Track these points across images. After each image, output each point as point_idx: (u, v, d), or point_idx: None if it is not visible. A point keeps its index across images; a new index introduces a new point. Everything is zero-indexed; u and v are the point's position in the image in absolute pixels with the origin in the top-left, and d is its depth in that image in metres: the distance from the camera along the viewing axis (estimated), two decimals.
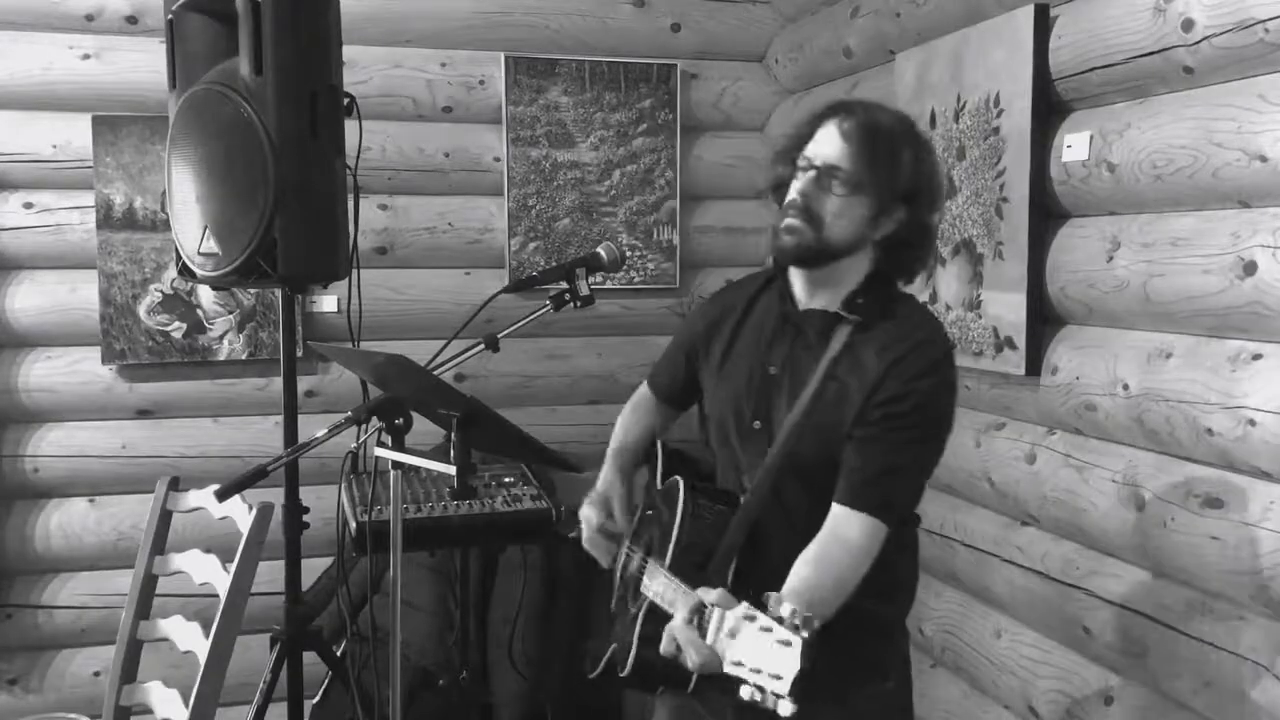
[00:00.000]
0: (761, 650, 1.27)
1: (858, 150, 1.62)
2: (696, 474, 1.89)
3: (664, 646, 1.47)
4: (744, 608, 1.33)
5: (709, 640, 1.37)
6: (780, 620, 1.27)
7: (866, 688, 1.74)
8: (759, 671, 1.26)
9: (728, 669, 1.30)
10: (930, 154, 1.70)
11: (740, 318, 1.84)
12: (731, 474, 1.81)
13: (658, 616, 1.64)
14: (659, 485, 1.93)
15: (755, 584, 1.44)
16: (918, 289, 2.66)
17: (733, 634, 1.32)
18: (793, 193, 1.66)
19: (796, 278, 1.75)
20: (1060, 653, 2.29)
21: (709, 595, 1.42)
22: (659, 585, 1.70)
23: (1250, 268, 1.77)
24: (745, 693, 1.27)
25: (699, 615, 1.41)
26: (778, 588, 1.47)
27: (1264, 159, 1.73)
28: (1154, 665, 1.99)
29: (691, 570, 1.66)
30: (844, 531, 1.59)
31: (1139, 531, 2.01)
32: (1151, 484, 2.00)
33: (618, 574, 1.92)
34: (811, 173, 1.65)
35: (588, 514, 1.90)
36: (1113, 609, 2.10)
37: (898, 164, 1.63)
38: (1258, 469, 1.78)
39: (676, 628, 1.44)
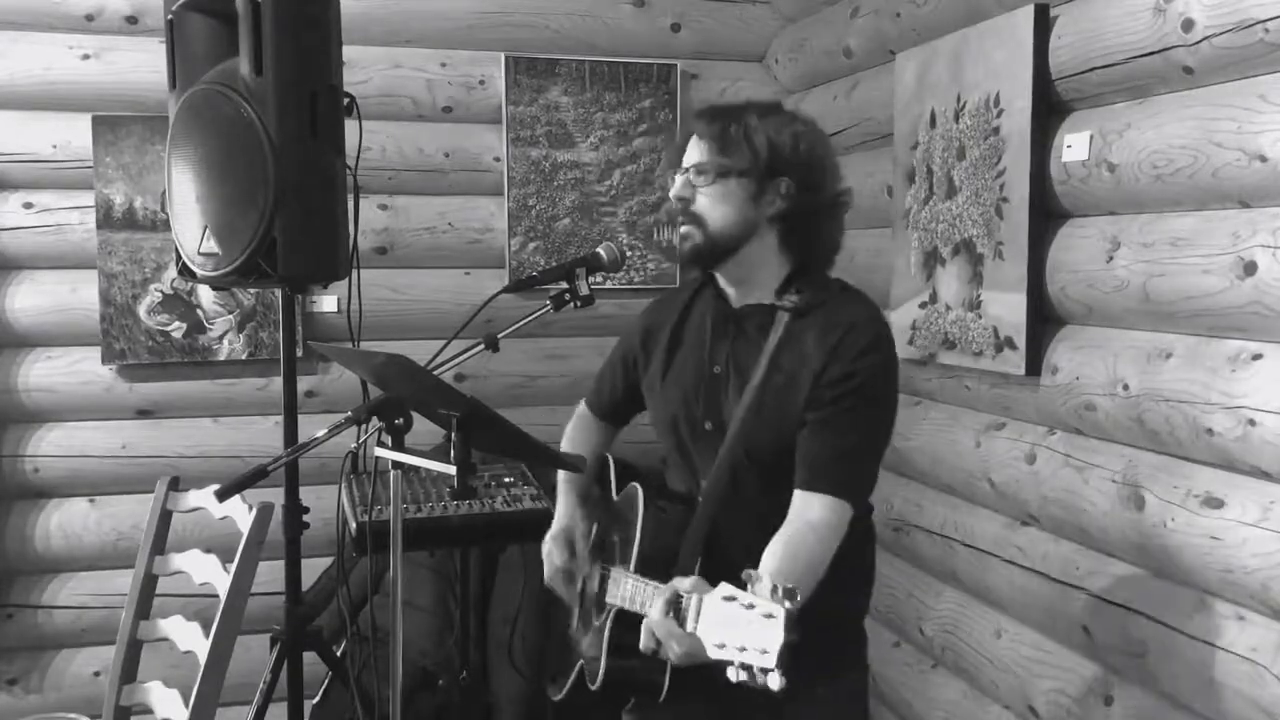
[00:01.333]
0: (745, 629, 1.26)
1: (710, 141, 1.68)
2: (649, 484, 1.89)
3: (643, 642, 1.47)
4: (723, 588, 1.32)
5: (689, 628, 1.37)
6: (763, 596, 1.26)
7: (828, 680, 1.73)
8: (744, 649, 1.25)
9: (711, 653, 1.29)
10: (797, 124, 1.72)
11: (677, 324, 1.87)
12: (687, 477, 1.83)
13: (627, 622, 1.66)
14: (614, 496, 1.95)
15: (720, 579, 1.42)
16: (918, 287, 2.68)
17: (713, 617, 1.31)
18: (670, 196, 1.72)
19: (723, 279, 1.79)
20: (1060, 653, 2.29)
21: (683, 584, 1.42)
22: (627, 589, 1.71)
23: (1250, 268, 1.77)
24: (732, 674, 1.26)
25: (675, 606, 1.41)
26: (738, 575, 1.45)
27: (1264, 159, 1.73)
28: (1154, 665, 1.99)
29: (658, 570, 1.67)
30: (810, 514, 1.60)
31: (1139, 531, 2.01)
32: (1151, 484, 2.00)
33: (577, 600, 1.93)
34: (680, 176, 1.71)
35: (550, 552, 1.92)
36: (1113, 609, 2.10)
37: (753, 140, 1.66)
38: (1258, 469, 1.78)
39: (654, 622, 1.44)
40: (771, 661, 1.22)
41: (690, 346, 1.84)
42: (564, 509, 1.97)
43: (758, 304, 1.74)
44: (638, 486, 1.80)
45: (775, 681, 1.22)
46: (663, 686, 1.64)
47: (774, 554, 1.57)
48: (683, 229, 1.71)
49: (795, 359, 1.67)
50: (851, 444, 1.64)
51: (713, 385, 1.76)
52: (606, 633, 1.74)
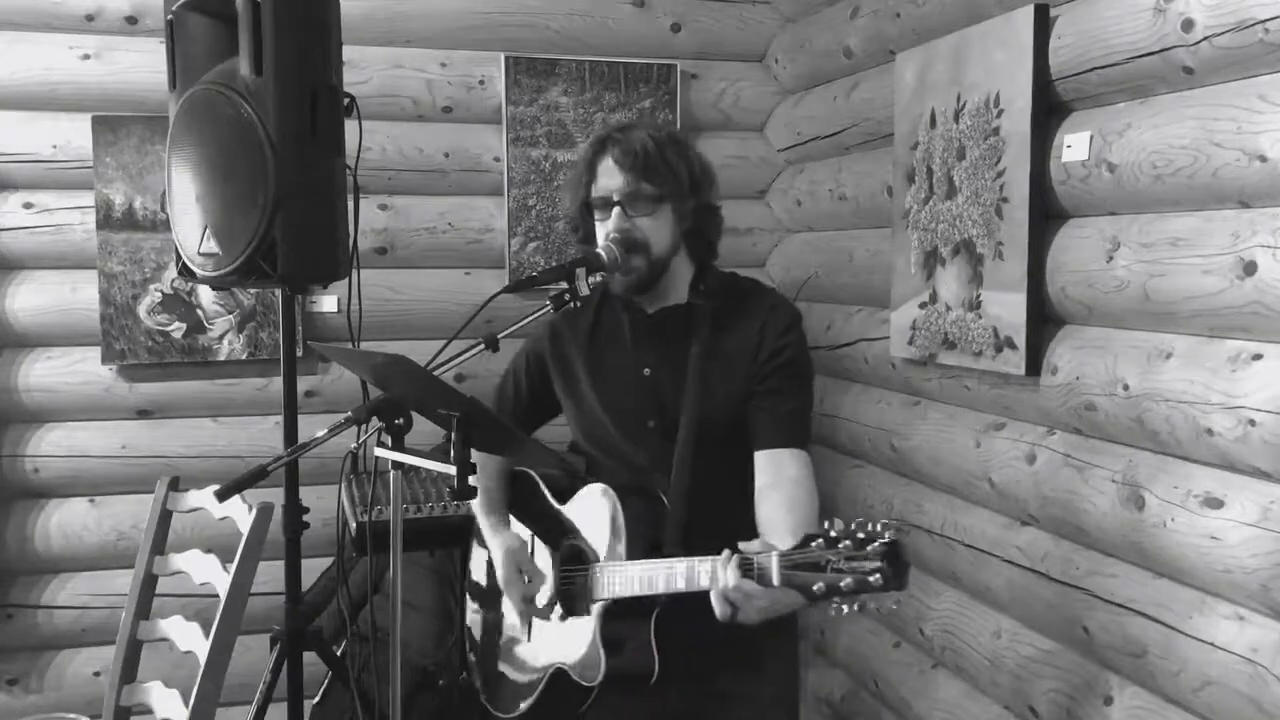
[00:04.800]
0: (842, 565, 1.39)
1: (640, 173, 1.83)
2: (569, 488, 1.99)
3: (719, 609, 1.55)
4: (817, 543, 1.44)
5: (775, 583, 1.48)
6: (856, 536, 1.39)
7: (774, 647, 1.92)
8: (847, 584, 1.37)
9: (817, 593, 1.41)
10: (686, 145, 1.95)
11: (588, 337, 2.01)
12: (627, 473, 1.91)
13: (618, 612, 1.77)
14: (557, 505, 2.00)
15: (705, 548, 1.62)
16: (918, 287, 2.67)
17: (800, 567, 1.44)
18: (610, 232, 1.84)
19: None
20: (1060, 653, 2.29)
21: (751, 546, 1.54)
22: (631, 573, 1.76)
23: (1250, 268, 1.77)
24: (834, 610, 1.40)
25: (748, 568, 1.52)
26: (721, 546, 1.58)
27: (1264, 159, 1.73)
28: (1154, 665, 1.99)
29: (649, 554, 1.78)
30: (787, 471, 1.82)
31: (1139, 531, 2.01)
32: (1151, 484, 2.00)
33: (542, 612, 1.96)
34: (615, 210, 1.84)
35: (510, 592, 1.96)
36: (1113, 609, 2.10)
37: (671, 168, 1.85)
38: (1258, 469, 1.78)
39: (731, 586, 1.53)
40: (882, 580, 1.35)
41: (610, 355, 1.96)
42: (499, 542, 2.00)
43: (674, 305, 1.92)
44: (604, 487, 1.87)
45: (894, 598, 1.38)
46: (653, 670, 1.74)
47: (778, 517, 1.74)
48: (633, 261, 1.84)
49: (725, 346, 1.87)
50: (797, 405, 1.90)
51: (647, 386, 1.92)
52: (597, 631, 1.80)
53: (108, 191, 3.14)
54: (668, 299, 1.93)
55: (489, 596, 2.12)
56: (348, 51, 2.31)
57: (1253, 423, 1.76)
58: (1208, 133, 1.84)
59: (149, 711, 2.17)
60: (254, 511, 2.08)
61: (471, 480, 1.95)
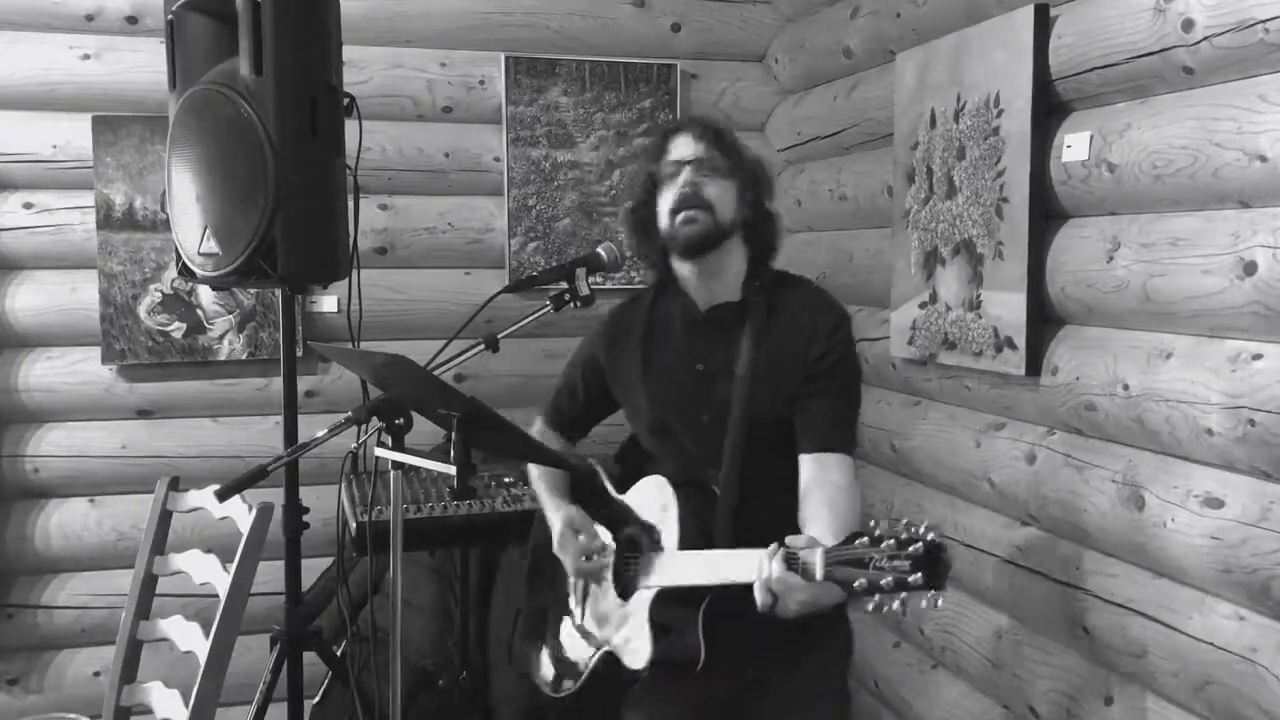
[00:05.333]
0: (883, 564, 1.41)
1: (713, 145, 1.91)
2: (627, 479, 2.03)
3: (760, 600, 1.59)
4: (861, 541, 1.46)
5: (817, 577, 1.51)
6: (899, 537, 1.41)
7: (819, 647, 1.94)
8: (886, 581, 1.40)
9: (858, 589, 1.43)
10: (749, 149, 2.01)
11: (644, 332, 2.04)
12: (679, 467, 1.95)
13: (669, 598, 1.82)
14: (615, 495, 2.04)
15: (754, 540, 1.64)
16: (918, 287, 2.67)
17: (844, 562, 1.47)
18: (676, 193, 1.89)
19: (688, 282, 1.96)
20: (1060, 653, 2.29)
21: (797, 541, 1.58)
22: (681, 563, 1.82)
23: (1250, 268, 1.77)
24: (871, 605, 1.42)
25: (793, 561, 1.55)
26: (770, 538, 1.62)
27: (1264, 159, 1.73)
28: (1154, 665, 1.99)
29: (700, 545, 1.83)
30: (831, 475, 1.83)
31: (1139, 531, 2.01)
32: (1151, 484, 2.00)
33: (602, 583, 2.00)
34: (687, 168, 1.89)
35: (565, 552, 2.00)
36: (1113, 609, 2.10)
37: (741, 154, 1.94)
38: (1258, 469, 1.78)
39: (775, 578, 1.56)
40: (922, 580, 1.37)
41: (664, 349, 2.00)
42: (562, 512, 2.05)
43: (725, 302, 1.94)
44: (660, 478, 1.92)
45: (937, 600, 1.38)
46: (699, 658, 1.78)
47: (821, 516, 1.76)
48: (691, 212, 1.87)
49: (776, 343, 1.89)
50: (844, 408, 1.91)
51: (701, 382, 1.94)
52: (648, 616, 1.85)
53: (108, 191, 3.14)
54: (720, 296, 1.95)
55: (545, 576, 2.17)
56: (348, 51, 2.31)
57: (1253, 423, 1.76)
58: (1208, 133, 1.84)
59: (149, 711, 2.17)
60: (254, 511, 2.08)
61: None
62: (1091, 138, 2.12)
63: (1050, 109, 2.24)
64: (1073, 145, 2.17)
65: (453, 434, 1.76)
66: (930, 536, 1.40)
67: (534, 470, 2.16)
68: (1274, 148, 1.72)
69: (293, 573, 2.38)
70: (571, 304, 2.12)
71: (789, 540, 1.59)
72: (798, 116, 3.48)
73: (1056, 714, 2.27)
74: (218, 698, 2.01)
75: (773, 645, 1.88)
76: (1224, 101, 1.83)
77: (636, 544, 1.95)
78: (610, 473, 2.09)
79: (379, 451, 1.85)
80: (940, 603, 1.39)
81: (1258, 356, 1.78)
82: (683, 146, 1.92)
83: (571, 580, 2.04)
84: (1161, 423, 1.96)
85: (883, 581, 1.41)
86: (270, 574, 2.52)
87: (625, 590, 1.94)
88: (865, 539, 1.46)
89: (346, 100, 2.24)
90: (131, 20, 3.16)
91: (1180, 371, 1.92)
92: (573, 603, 2.07)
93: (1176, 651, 1.93)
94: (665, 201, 1.91)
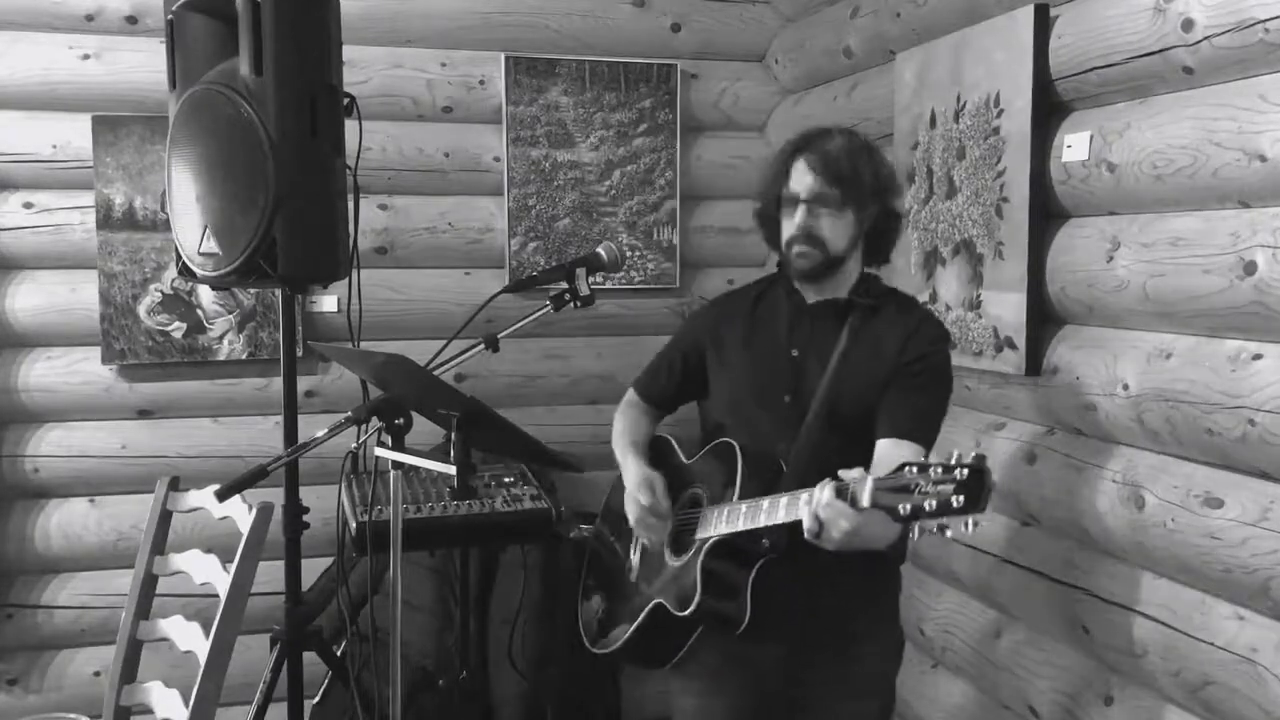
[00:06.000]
0: (929, 489, 1.45)
1: (830, 179, 1.94)
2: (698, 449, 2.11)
3: (807, 526, 1.65)
4: (910, 469, 1.51)
5: (864, 505, 1.56)
6: (946, 464, 1.45)
7: (867, 631, 2.02)
8: (930, 506, 1.44)
9: (902, 514, 1.48)
10: (877, 152, 2.03)
11: (749, 315, 2.11)
12: (752, 437, 2.00)
13: (722, 553, 1.89)
14: (686, 460, 2.13)
15: None
16: (918, 287, 2.67)
17: (889, 490, 1.52)
18: (793, 229, 1.97)
19: (808, 281, 2.03)
20: (1060, 653, 2.29)
21: (850, 473, 1.62)
22: (736, 509, 1.87)
23: (1250, 268, 1.77)
24: (916, 531, 1.50)
25: (843, 491, 1.60)
26: None
27: (1264, 159, 1.73)
28: (1154, 665, 1.99)
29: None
30: (904, 454, 1.80)
31: (1139, 531, 2.01)
32: (1151, 484, 2.00)
33: (659, 543, 2.07)
34: (801, 207, 1.96)
35: (636, 496, 2.06)
36: (1113, 609, 2.10)
37: (860, 177, 1.96)
38: (1258, 469, 1.78)
39: (824, 504, 1.61)
40: (964, 503, 1.42)
41: (764, 333, 2.09)
42: (637, 468, 2.12)
43: (831, 299, 2.02)
44: (730, 441, 1.99)
45: (979, 520, 1.45)
46: (743, 620, 1.84)
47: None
48: (802, 248, 1.96)
49: (870, 341, 1.97)
50: (931, 407, 1.95)
51: (792, 366, 2.02)
52: (700, 565, 1.91)
53: (108, 191, 3.14)
54: (826, 292, 2.03)
55: (609, 535, 2.26)
56: (348, 51, 2.31)
57: (1253, 423, 1.76)
58: (1208, 133, 1.84)
59: (149, 711, 2.17)
60: (254, 511, 2.08)
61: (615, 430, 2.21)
62: (1091, 138, 2.12)
63: (1050, 109, 2.24)
64: (1073, 145, 2.17)
65: (453, 434, 1.77)
66: (972, 460, 1.44)
67: (618, 427, 2.23)
68: (1274, 148, 1.72)
69: (293, 573, 2.38)
70: (571, 304, 2.12)
71: (841, 472, 1.64)
72: (798, 116, 3.48)
73: (1056, 714, 2.27)
74: (218, 698, 2.01)
75: (818, 625, 1.95)
76: (1224, 101, 1.83)
77: (698, 501, 2.02)
78: (680, 441, 2.18)
79: (379, 451, 1.85)
80: (975, 527, 1.45)
81: (1258, 356, 1.78)
82: (801, 176, 1.97)
83: (634, 539, 2.12)
84: (1161, 423, 1.96)
85: (926, 505, 1.45)
86: (270, 574, 2.52)
87: (682, 546, 2.00)
88: (914, 467, 1.50)
89: (346, 100, 2.24)
90: (131, 20, 3.16)
91: (1180, 371, 1.92)
92: (633, 557, 2.14)
93: (1176, 651, 1.93)
94: (785, 228, 1.99)
